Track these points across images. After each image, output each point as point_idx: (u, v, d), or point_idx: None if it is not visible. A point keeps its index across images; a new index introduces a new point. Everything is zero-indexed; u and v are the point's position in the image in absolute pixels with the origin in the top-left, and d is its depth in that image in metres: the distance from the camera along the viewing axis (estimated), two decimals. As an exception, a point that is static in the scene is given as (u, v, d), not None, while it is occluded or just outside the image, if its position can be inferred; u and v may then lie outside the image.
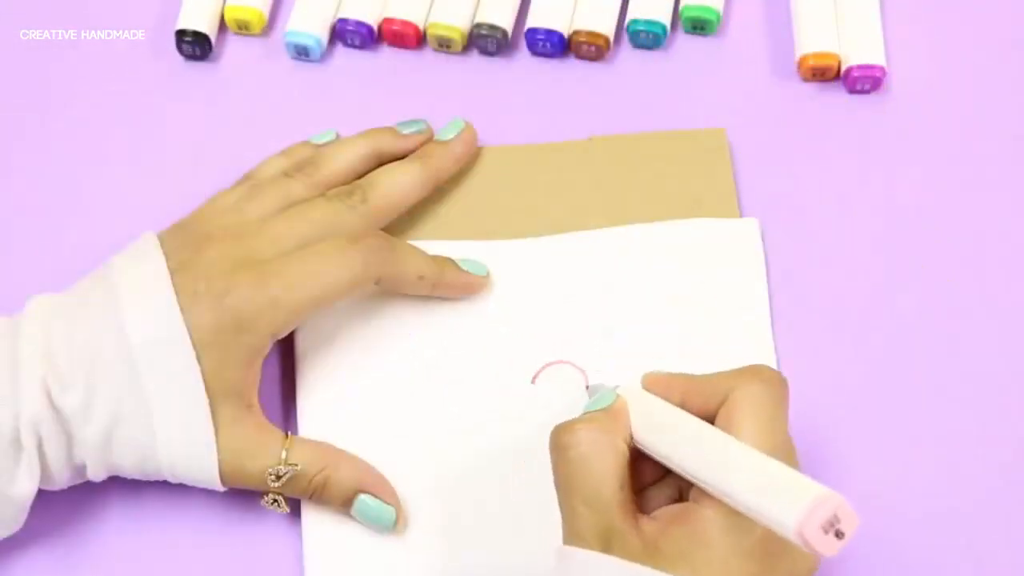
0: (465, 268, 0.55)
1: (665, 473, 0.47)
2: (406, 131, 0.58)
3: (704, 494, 0.44)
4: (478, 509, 0.52)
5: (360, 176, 0.56)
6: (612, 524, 0.43)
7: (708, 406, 0.46)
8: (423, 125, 0.58)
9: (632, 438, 0.46)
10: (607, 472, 0.44)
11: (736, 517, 0.42)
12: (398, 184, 0.56)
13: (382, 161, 0.57)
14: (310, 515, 0.52)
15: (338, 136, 0.59)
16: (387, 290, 0.54)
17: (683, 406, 0.46)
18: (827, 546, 0.38)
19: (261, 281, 0.50)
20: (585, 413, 0.47)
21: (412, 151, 0.58)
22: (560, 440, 0.46)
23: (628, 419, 0.46)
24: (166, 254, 0.51)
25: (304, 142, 0.58)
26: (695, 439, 0.44)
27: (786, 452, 0.45)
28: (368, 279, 0.52)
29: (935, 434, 0.54)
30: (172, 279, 0.50)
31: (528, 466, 0.52)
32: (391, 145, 0.57)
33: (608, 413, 0.46)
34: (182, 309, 0.49)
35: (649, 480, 0.47)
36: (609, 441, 0.45)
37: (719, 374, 0.46)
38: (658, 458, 0.45)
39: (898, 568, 0.52)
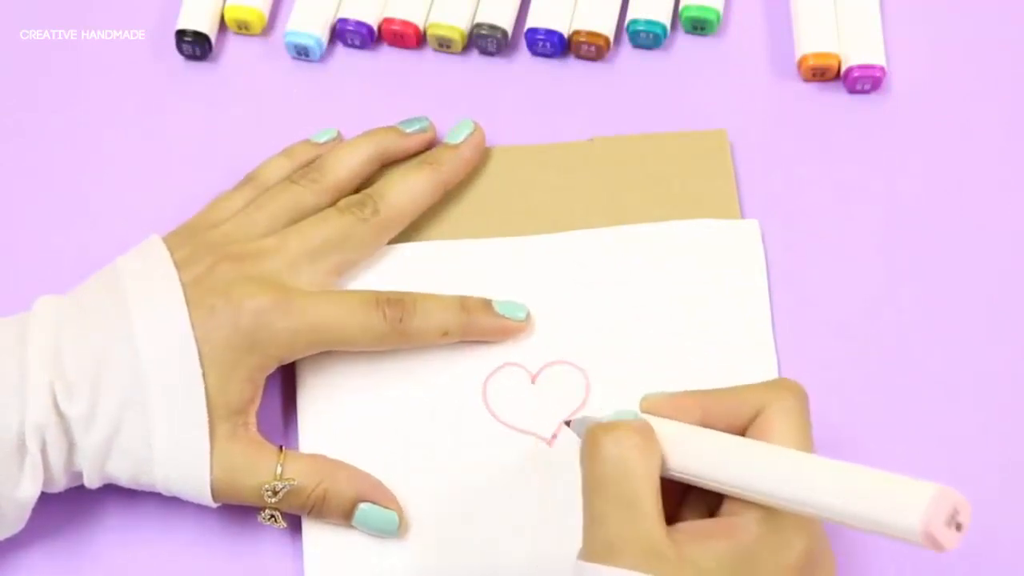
0: (501, 311, 0.54)
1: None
2: (409, 130, 0.58)
3: (740, 508, 0.42)
4: (480, 517, 0.52)
5: (366, 179, 0.56)
6: (651, 535, 0.41)
7: (734, 423, 0.44)
8: (426, 123, 0.58)
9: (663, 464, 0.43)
10: (646, 478, 0.42)
11: (779, 533, 0.41)
12: (409, 192, 0.55)
13: (387, 162, 0.57)
14: (310, 521, 0.52)
15: (339, 135, 0.59)
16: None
17: (704, 424, 0.44)
18: (952, 541, 0.37)
19: (283, 312, 0.50)
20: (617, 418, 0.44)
21: (417, 150, 0.58)
22: (597, 436, 0.43)
23: (656, 438, 0.44)
24: (177, 264, 0.51)
25: (306, 141, 0.58)
26: (761, 459, 0.42)
27: None
28: (385, 344, 0.53)
29: (937, 434, 0.54)
30: (185, 292, 0.50)
31: (529, 470, 0.52)
32: (395, 145, 0.57)
33: (641, 420, 0.44)
34: (193, 324, 0.49)
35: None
36: (650, 447, 0.43)
37: (743, 388, 0.45)
38: (708, 484, 0.43)
39: (900, 569, 0.52)
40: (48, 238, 0.59)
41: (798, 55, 0.61)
